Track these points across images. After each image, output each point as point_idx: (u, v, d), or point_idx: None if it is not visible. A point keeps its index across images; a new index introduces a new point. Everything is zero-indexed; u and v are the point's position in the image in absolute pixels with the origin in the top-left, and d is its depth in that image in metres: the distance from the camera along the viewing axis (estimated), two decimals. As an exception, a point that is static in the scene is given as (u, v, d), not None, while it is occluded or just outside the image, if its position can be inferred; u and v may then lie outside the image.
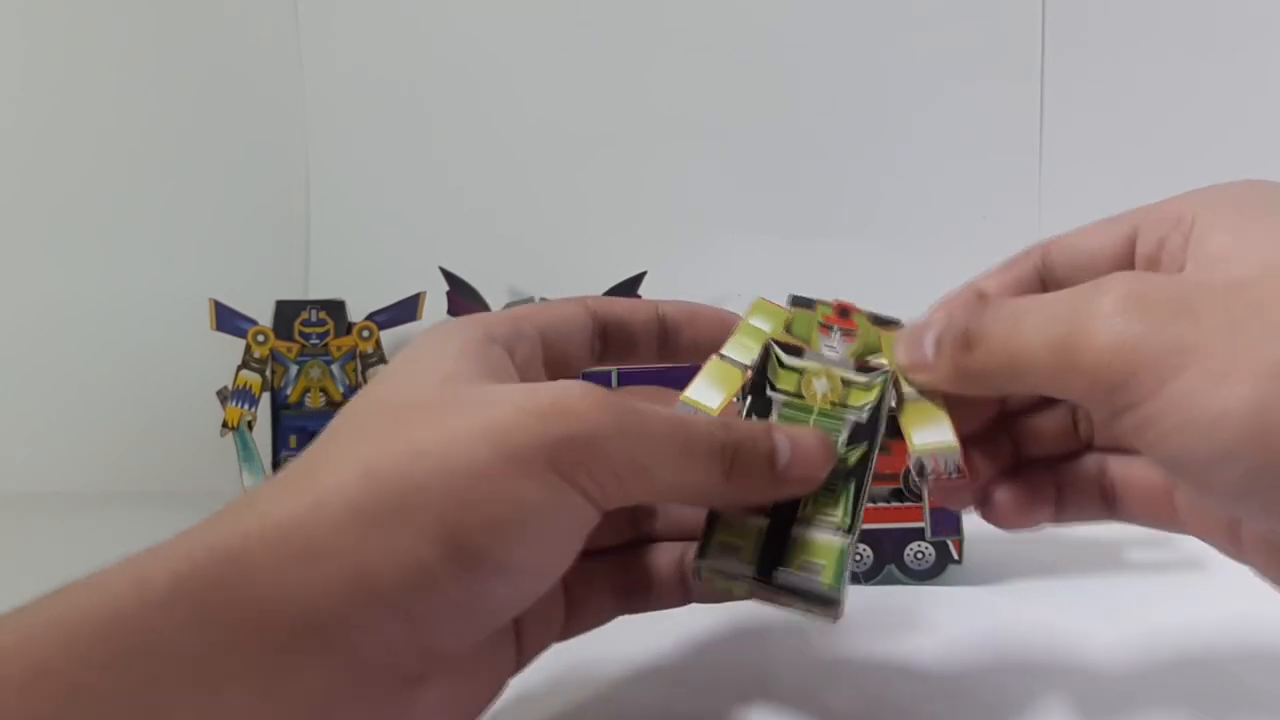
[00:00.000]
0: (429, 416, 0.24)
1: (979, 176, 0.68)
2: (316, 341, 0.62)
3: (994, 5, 0.67)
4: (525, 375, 0.28)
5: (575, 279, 0.66)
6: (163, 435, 0.69)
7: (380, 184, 0.73)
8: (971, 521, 0.45)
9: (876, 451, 0.29)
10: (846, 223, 0.69)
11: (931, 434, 0.29)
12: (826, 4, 0.68)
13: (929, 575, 0.45)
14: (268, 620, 0.21)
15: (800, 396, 0.30)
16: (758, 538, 0.27)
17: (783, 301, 0.32)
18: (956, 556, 0.45)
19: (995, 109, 0.68)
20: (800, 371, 0.31)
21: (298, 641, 0.21)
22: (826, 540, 0.27)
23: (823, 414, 0.30)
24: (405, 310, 0.63)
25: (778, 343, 0.31)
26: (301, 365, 0.62)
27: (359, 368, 0.62)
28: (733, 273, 0.70)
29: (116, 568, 0.21)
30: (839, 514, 0.28)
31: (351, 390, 0.62)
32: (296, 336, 0.62)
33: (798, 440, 0.27)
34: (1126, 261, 0.29)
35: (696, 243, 0.70)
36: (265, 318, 0.62)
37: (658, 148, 0.71)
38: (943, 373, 0.27)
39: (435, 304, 0.64)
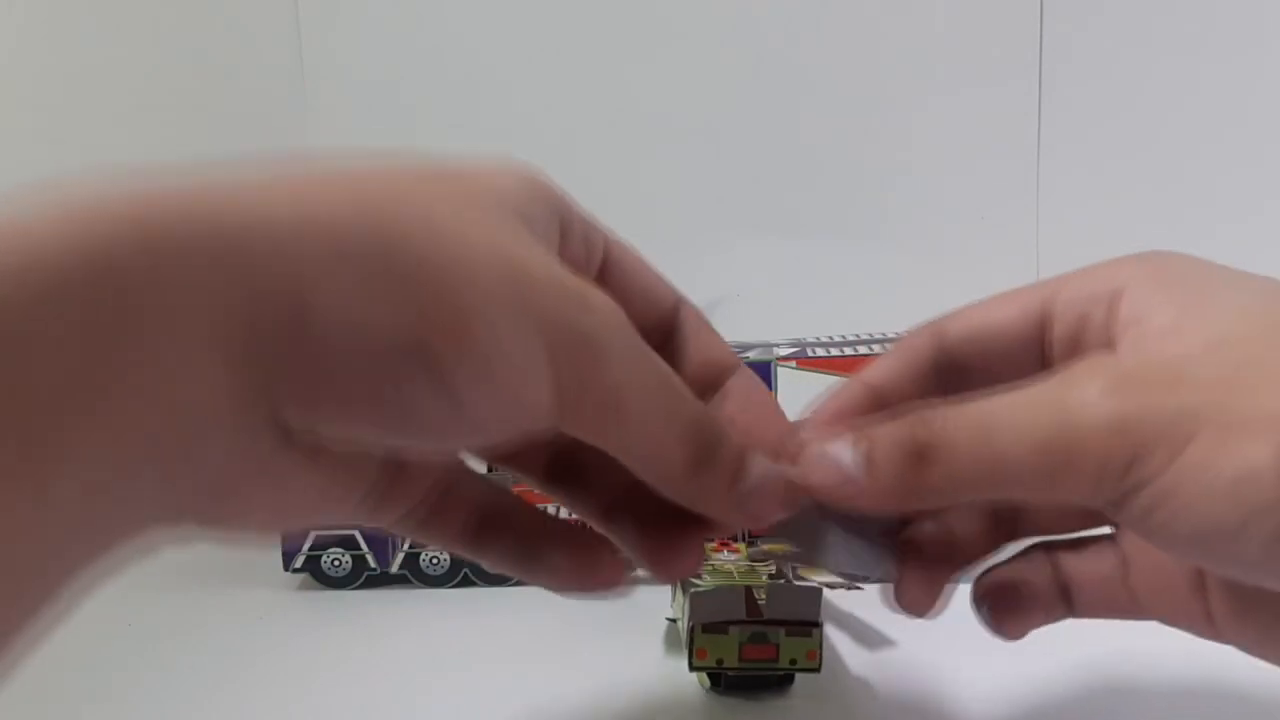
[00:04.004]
0: (460, 206, 0.22)
1: (977, 176, 0.68)
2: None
3: (993, 7, 0.67)
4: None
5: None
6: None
7: (380, 184, 0.73)
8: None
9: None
10: (846, 223, 0.69)
11: (826, 577, 0.34)
12: (827, 6, 0.69)
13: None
14: None
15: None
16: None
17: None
18: (955, 555, 0.45)
19: (993, 109, 0.68)
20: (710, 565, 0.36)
21: None
22: None
23: (741, 574, 0.34)
24: (405, 310, 0.63)
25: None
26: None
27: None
28: (733, 273, 0.70)
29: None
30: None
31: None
32: (297, 336, 0.62)
33: (767, 475, 0.24)
34: (1037, 342, 0.27)
35: (696, 243, 0.70)
36: (265, 318, 0.62)
37: (658, 148, 0.71)
38: (883, 491, 0.24)
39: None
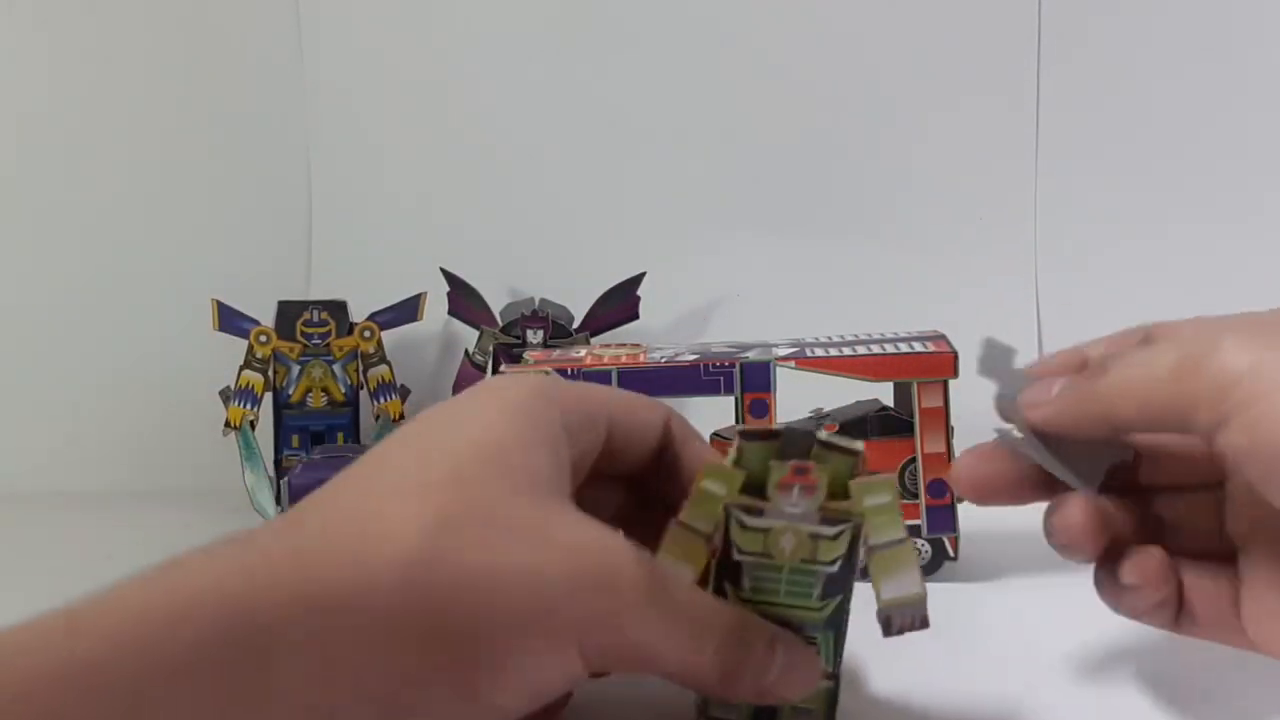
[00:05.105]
0: (484, 533, 0.25)
1: (977, 177, 0.68)
2: (318, 341, 0.62)
3: (991, 10, 0.68)
4: (576, 469, 0.29)
5: (575, 280, 0.66)
6: (165, 435, 0.69)
7: (381, 185, 0.73)
8: (967, 519, 0.45)
9: (851, 600, 0.30)
10: (845, 223, 0.69)
11: (899, 585, 0.30)
12: (828, 8, 0.69)
13: (925, 572, 0.45)
14: None
15: (769, 555, 0.30)
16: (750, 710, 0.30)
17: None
18: (953, 554, 0.46)
19: (992, 111, 0.68)
20: (765, 531, 0.30)
21: None
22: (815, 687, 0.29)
23: (793, 571, 0.30)
24: (406, 310, 0.64)
25: (736, 505, 0.30)
26: (303, 365, 0.62)
27: (360, 368, 0.63)
28: (732, 273, 0.70)
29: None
30: (822, 662, 0.30)
31: (353, 390, 0.63)
32: (298, 336, 0.62)
33: (793, 661, 0.29)
34: None
35: (696, 243, 0.70)
36: (267, 318, 0.62)
37: (658, 148, 0.71)
38: (1061, 405, 0.31)
39: (436, 304, 0.64)
